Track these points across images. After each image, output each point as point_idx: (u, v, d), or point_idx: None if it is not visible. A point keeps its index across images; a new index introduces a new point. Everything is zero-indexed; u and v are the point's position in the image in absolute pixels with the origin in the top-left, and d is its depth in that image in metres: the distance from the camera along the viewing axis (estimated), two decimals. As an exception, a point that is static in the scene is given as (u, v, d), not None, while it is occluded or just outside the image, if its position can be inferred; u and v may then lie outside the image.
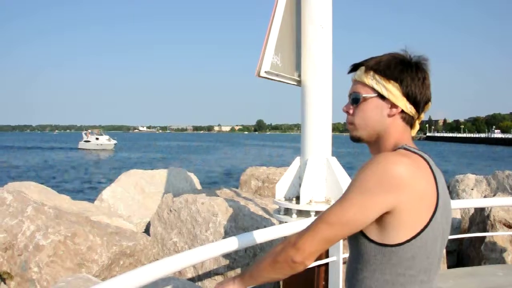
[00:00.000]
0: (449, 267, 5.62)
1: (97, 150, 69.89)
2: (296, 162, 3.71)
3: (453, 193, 8.30)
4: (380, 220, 1.18)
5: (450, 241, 5.59)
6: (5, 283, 3.14)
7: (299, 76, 3.59)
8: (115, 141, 75.51)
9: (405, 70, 1.28)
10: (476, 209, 6.35)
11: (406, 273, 1.20)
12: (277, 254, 1.28)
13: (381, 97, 1.30)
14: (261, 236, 2.45)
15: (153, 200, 7.23)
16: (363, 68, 1.34)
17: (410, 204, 1.16)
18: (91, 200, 7.44)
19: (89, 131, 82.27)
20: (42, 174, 34.84)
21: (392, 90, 1.28)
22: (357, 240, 1.25)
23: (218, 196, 6.28)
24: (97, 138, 74.60)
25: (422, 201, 1.17)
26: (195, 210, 5.34)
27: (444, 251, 1.38)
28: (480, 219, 6.07)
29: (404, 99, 1.28)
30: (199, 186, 8.60)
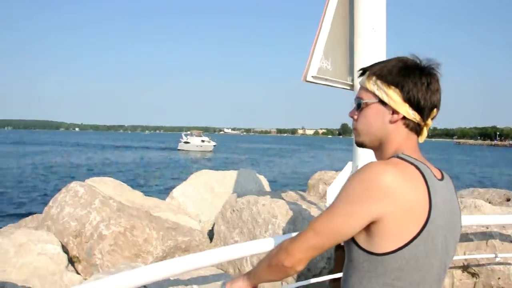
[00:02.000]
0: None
1: (197, 152, 69.89)
2: (348, 167, 3.68)
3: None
4: (368, 229, 1.18)
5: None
6: (73, 265, 3.50)
7: (353, 80, 3.56)
8: (214, 143, 74.72)
9: (408, 75, 1.26)
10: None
11: (394, 284, 1.19)
12: (272, 258, 1.34)
13: (383, 103, 1.28)
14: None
15: (221, 199, 7.48)
16: (367, 73, 1.34)
17: (396, 214, 1.14)
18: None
19: (189, 132, 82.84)
20: (137, 171, 37.15)
21: (393, 96, 1.26)
22: (348, 246, 1.26)
23: (283, 199, 6.36)
24: (203, 141, 74.20)
25: (410, 212, 1.15)
26: (256, 211, 5.47)
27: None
28: None
29: (406, 105, 1.26)
30: (268, 188, 8.72)
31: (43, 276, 3.09)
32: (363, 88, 1.34)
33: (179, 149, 74.96)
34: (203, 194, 7.45)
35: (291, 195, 7.35)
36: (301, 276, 4.16)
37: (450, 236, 1.26)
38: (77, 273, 3.44)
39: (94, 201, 3.80)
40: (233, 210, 6.00)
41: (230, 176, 8.12)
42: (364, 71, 1.35)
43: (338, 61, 3.48)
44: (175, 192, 7.21)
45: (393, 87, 1.26)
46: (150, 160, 51.28)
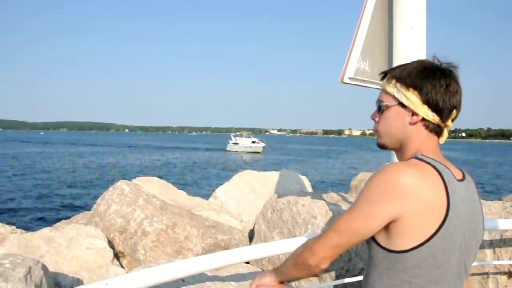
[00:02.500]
0: None
1: (246, 153, 69.36)
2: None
3: None
4: (387, 227, 1.21)
5: None
6: (118, 260, 3.69)
7: (391, 81, 3.53)
8: (263, 144, 73.75)
9: (427, 78, 1.28)
10: None
11: (412, 281, 1.21)
12: (297, 256, 1.38)
13: (402, 105, 1.31)
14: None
15: (263, 200, 7.55)
16: (387, 76, 1.37)
17: (414, 213, 1.17)
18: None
19: (238, 133, 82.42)
20: (184, 171, 38.00)
21: (412, 98, 1.29)
22: (369, 244, 1.30)
23: (324, 199, 6.36)
24: (253, 142, 73.25)
25: (428, 211, 1.17)
26: (296, 211, 5.51)
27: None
28: None
29: (425, 107, 1.28)
30: (310, 189, 8.72)
31: (91, 268, 3.29)
32: (384, 91, 1.37)
33: (228, 150, 74.65)
34: (245, 194, 7.56)
35: (332, 196, 7.32)
36: (339, 276, 4.16)
37: (471, 236, 1.27)
38: (122, 267, 3.63)
39: (139, 199, 3.98)
40: (274, 210, 6.06)
41: (271, 177, 8.19)
42: (385, 74, 1.39)
43: (376, 62, 3.46)
44: (218, 192, 7.36)
45: (411, 90, 1.29)
46: (198, 161, 52.08)
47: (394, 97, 1.33)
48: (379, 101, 1.38)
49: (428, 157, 1.27)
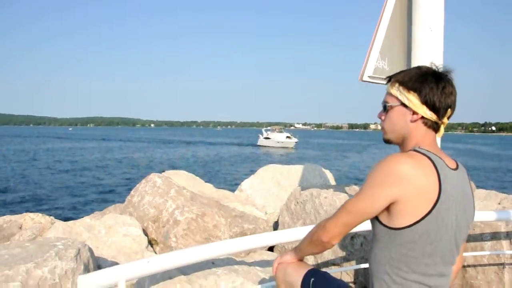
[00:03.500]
0: None
1: (278, 148, 67.19)
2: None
3: None
4: (388, 208, 1.43)
5: None
6: (152, 247, 3.98)
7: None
8: (296, 139, 71.25)
9: (425, 81, 1.48)
10: None
11: (409, 254, 1.42)
12: (313, 234, 1.63)
13: (404, 105, 1.52)
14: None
15: (287, 193, 7.74)
16: (392, 80, 1.59)
17: (411, 196, 1.38)
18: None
19: (270, 127, 79.94)
20: (214, 165, 38.41)
21: (412, 99, 1.49)
22: (373, 223, 1.52)
23: (346, 192, 6.54)
24: (288, 137, 70.75)
25: (422, 194, 1.38)
26: (318, 203, 5.70)
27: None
28: None
29: (424, 107, 1.48)
30: (333, 182, 8.85)
31: (128, 254, 3.58)
32: (388, 93, 1.59)
33: (258, 145, 73.07)
34: (270, 187, 7.77)
35: (354, 188, 7.48)
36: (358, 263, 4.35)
37: (462, 217, 1.48)
38: (155, 253, 3.92)
39: (170, 190, 4.26)
40: (297, 202, 6.27)
41: (295, 170, 8.38)
42: (390, 78, 1.60)
43: (395, 61, 3.60)
44: (244, 185, 7.60)
45: (412, 92, 1.50)
46: (228, 155, 51.78)
47: (397, 98, 1.54)
48: (385, 102, 1.60)
49: (425, 149, 1.48)
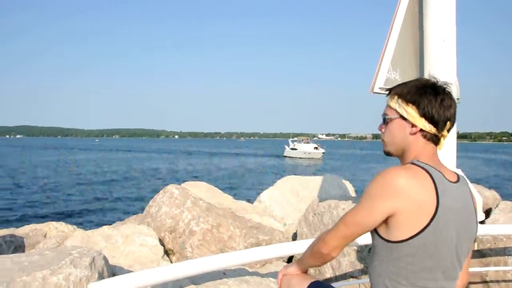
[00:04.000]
0: None
1: (304, 159, 66.17)
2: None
3: None
4: (387, 221, 1.43)
5: None
6: (168, 257, 4.05)
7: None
8: (323, 150, 69.97)
9: (424, 94, 1.48)
10: None
11: (408, 268, 1.41)
12: (313, 246, 1.64)
13: (403, 118, 1.52)
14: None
15: (306, 204, 7.72)
16: (391, 93, 1.60)
17: (407, 210, 1.38)
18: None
19: (296, 138, 78.43)
20: (239, 176, 38.39)
21: (411, 112, 1.49)
22: (373, 235, 1.52)
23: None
24: (316, 148, 69.29)
25: (419, 208, 1.38)
26: (336, 214, 5.68)
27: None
28: None
29: (423, 119, 1.48)
30: (353, 194, 8.80)
31: (144, 263, 3.65)
32: (388, 105, 1.59)
33: (285, 156, 71.34)
34: (289, 199, 7.77)
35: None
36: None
37: (463, 231, 1.46)
38: (171, 263, 3.99)
39: (187, 201, 4.34)
40: (315, 214, 6.25)
41: (314, 182, 8.36)
42: (390, 91, 1.62)
43: (407, 72, 3.59)
44: (262, 196, 7.62)
45: (411, 105, 1.50)
46: (254, 167, 51.19)
47: (396, 111, 1.54)
48: (384, 115, 1.60)
49: (423, 162, 1.48)
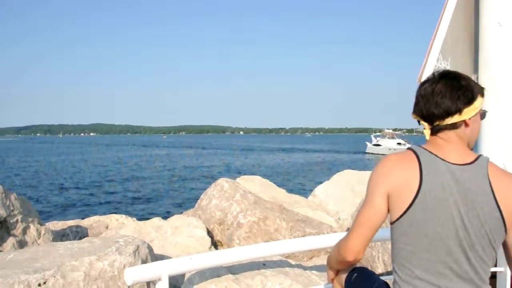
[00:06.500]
0: None
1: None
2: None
3: None
4: (389, 206, 1.45)
5: None
6: (216, 248, 4.15)
7: (477, 78, 3.45)
8: (409, 146, 65.77)
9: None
10: None
11: (405, 248, 1.42)
12: (337, 255, 1.61)
13: None
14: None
15: (361, 198, 7.61)
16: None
17: (395, 189, 1.42)
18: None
19: (380, 133, 75.39)
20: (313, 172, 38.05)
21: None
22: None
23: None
24: (399, 143, 64.31)
25: (404, 186, 1.41)
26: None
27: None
28: None
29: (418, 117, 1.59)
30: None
31: (191, 253, 3.77)
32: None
33: (367, 152, 68.62)
34: (344, 193, 7.67)
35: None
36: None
37: (473, 215, 1.37)
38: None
39: (236, 194, 4.41)
40: (366, 208, 6.16)
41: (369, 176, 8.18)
42: None
43: (460, 60, 3.40)
44: (317, 190, 7.59)
45: None
46: (336, 163, 49.57)
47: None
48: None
49: (420, 147, 1.51)
